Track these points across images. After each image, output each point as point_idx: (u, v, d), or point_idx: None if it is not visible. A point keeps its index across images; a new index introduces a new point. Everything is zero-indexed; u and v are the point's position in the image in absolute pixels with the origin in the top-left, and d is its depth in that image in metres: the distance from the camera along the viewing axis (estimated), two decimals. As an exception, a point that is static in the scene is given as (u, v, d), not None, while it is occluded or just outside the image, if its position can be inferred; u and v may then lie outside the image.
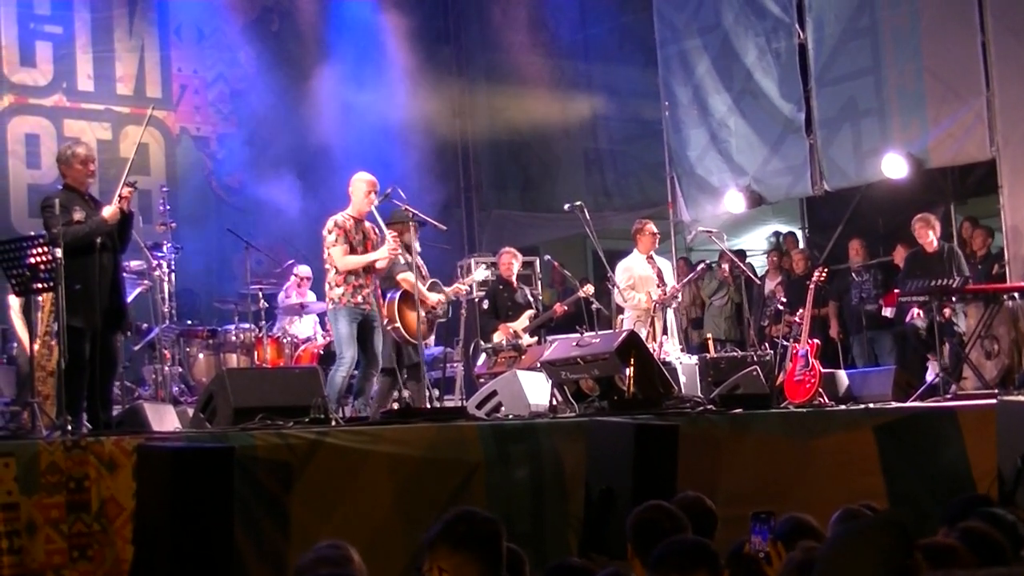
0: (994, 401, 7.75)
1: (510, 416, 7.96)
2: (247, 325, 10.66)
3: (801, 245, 13.85)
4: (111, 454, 5.32)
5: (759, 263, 14.12)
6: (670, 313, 10.29)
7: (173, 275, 10.09)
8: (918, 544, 2.70)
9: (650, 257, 10.37)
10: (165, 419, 7.32)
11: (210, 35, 13.84)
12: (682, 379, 9.37)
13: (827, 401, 9.36)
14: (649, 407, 7.35)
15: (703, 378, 9.88)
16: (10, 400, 9.45)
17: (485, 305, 10.67)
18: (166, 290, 10.04)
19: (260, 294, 10.79)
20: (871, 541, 2.58)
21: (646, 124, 14.04)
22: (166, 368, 10.00)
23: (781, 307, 11.29)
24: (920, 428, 7.86)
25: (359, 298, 8.45)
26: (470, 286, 10.06)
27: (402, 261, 8.89)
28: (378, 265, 8.59)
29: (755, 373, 9.31)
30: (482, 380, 10.02)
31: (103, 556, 5.20)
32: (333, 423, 6.76)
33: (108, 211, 7.09)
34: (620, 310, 10.32)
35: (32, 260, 6.42)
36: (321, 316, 10.52)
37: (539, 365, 8.81)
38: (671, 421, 6.45)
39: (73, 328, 6.69)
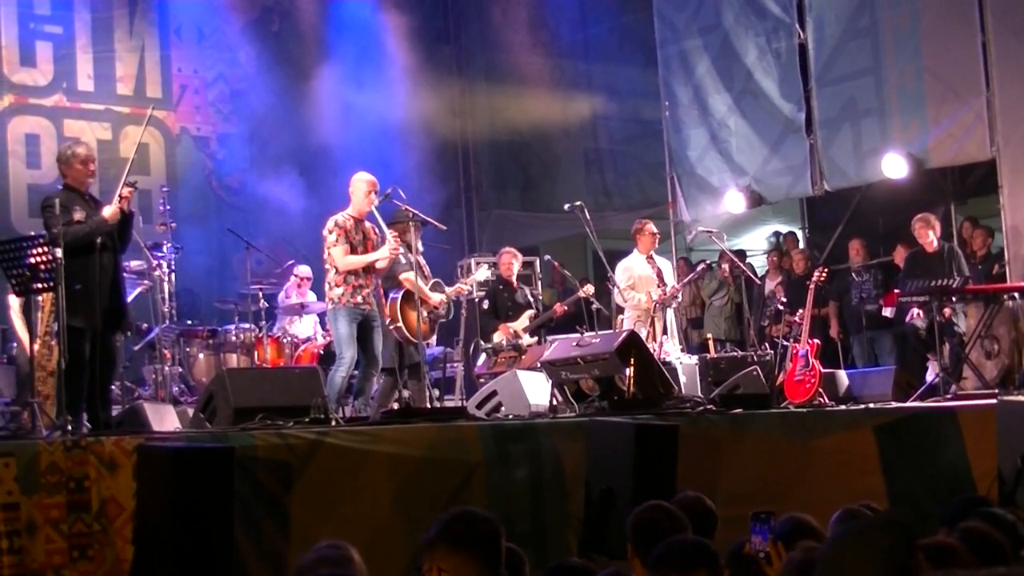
0: (994, 401, 7.75)
1: (510, 416, 7.96)
2: (247, 325, 10.66)
3: (801, 245, 13.85)
4: (111, 454, 5.32)
5: (759, 263, 14.11)
6: (670, 313, 10.29)
7: (173, 275, 10.09)
8: (919, 544, 2.70)
9: (650, 257, 10.37)
10: (165, 419, 7.32)
11: (210, 35, 13.83)
12: (682, 379, 9.36)
13: (827, 401, 9.36)
14: (649, 407, 7.35)
15: (703, 378, 9.88)
16: (10, 400, 9.44)
17: (485, 305, 10.67)
18: (166, 290, 10.03)
19: (260, 294, 10.79)
20: (872, 541, 2.58)
21: (646, 124, 14.05)
22: (166, 368, 10.00)
23: (781, 307, 11.29)
24: (920, 428, 7.86)
25: (359, 298, 8.45)
26: (472, 286, 10.06)
27: (403, 261, 8.89)
28: (378, 265, 8.59)
29: (755, 373, 9.31)
30: (482, 380, 10.02)
31: (103, 556, 5.20)
32: (333, 423, 6.76)
33: (108, 211, 7.09)
34: (620, 310, 10.32)
35: (32, 260, 6.42)
36: (321, 316, 10.51)
37: (539, 365, 8.81)
38: (671, 421, 6.45)
39: (73, 328, 6.69)
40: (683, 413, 7.31)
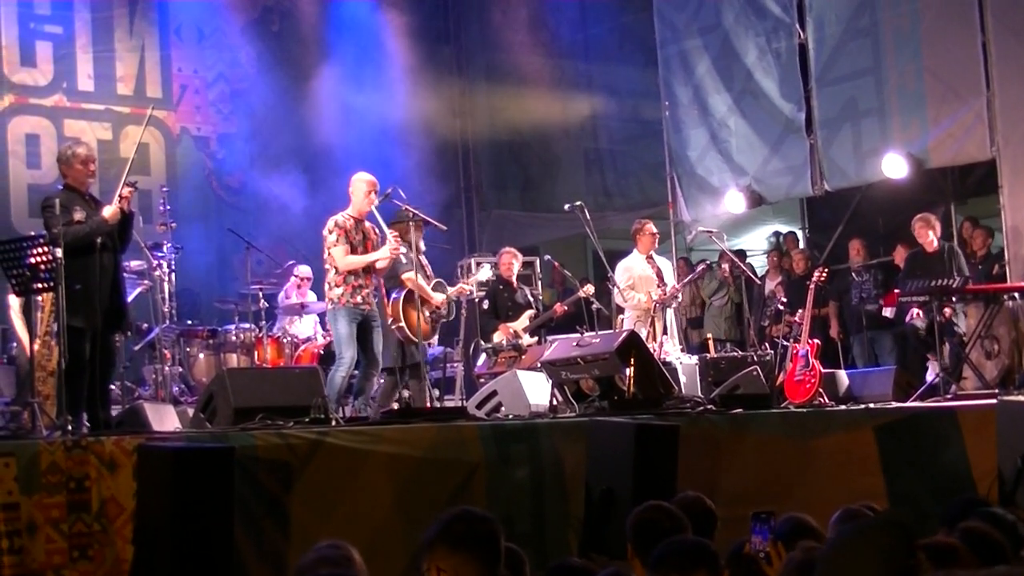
0: (994, 401, 7.75)
1: (510, 416, 7.96)
2: (247, 325, 10.66)
3: (801, 245, 13.85)
4: (111, 454, 5.32)
5: (759, 263, 14.12)
6: (670, 313, 10.29)
7: (173, 275, 10.09)
8: (919, 544, 2.70)
9: (650, 257, 10.37)
10: (165, 419, 7.32)
11: (210, 35, 13.83)
12: (682, 379, 9.36)
13: (827, 401, 9.36)
14: (649, 407, 7.35)
15: (703, 378, 9.87)
16: (10, 400, 9.44)
17: (485, 305, 10.67)
18: (166, 290, 10.03)
19: (260, 294, 10.78)
20: (873, 541, 2.58)
21: (646, 124, 14.05)
22: (166, 368, 9.99)
23: (781, 307, 11.29)
24: (920, 428, 7.86)
25: (358, 298, 8.46)
26: (474, 286, 10.06)
27: (404, 260, 8.88)
28: (378, 265, 8.59)
29: (755, 373, 9.30)
30: (482, 380, 10.02)
31: (103, 556, 5.20)
32: (333, 423, 6.76)
33: (108, 211, 7.09)
34: (620, 310, 10.32)
35: (32, 260, 6.42)
36: (321, 316, 10.51)
37: (539, 365, 8.81)
38: (671, 421, 6.45)
39: (73, 328, 6.69)
40: (683, 413, 7.31)
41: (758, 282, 12.26)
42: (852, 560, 2.59)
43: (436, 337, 9.68)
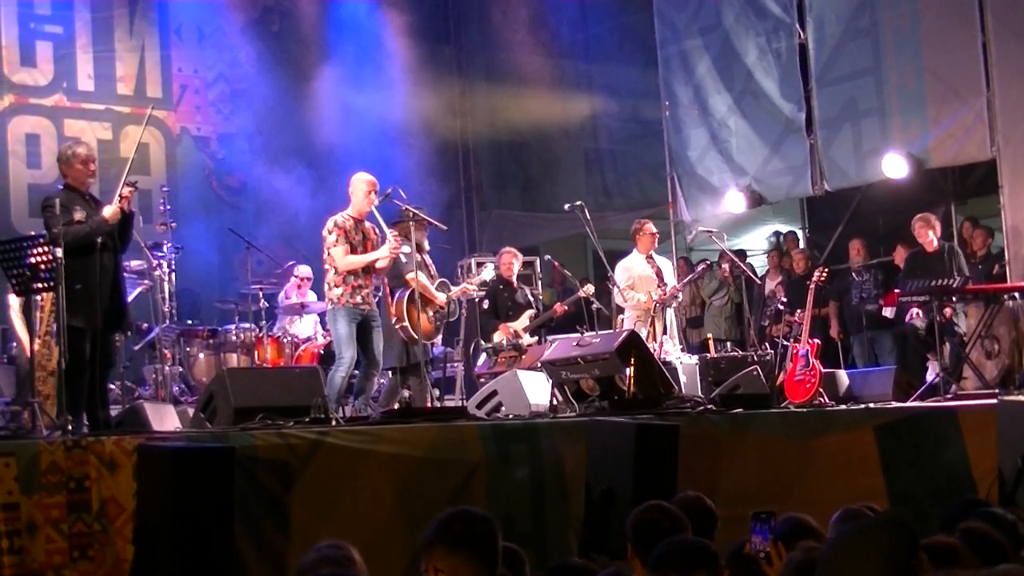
0: (994, 401, 7.75)
1: (510, 416, 7.96)
2: (247, 325, 10.66)
3: (801, 245, 13.85)
4: (112, 454, 5.32)
5: (759, 263, 14.12)
6: (670, 313, 10.29)
7: (173, 275, 10.09)
8: (920, 544, 2.70)
9: (650, 257, 10.37)
10: (165, 419, 7.32)
11: (210, 35, 13.83)
12: (682, 379, 9.36)
13: (827, 401, 9.36)
14: (649, 407, 7.35)
15: (703, 378, 9.87)
16: (10, 400, 9.44)
17: (485, 305, 10.67)
18: (166, 290, 10.03)
19: (260, 294, 10.78)
20: (874, 541, 2.58)
21: (646, 124, 14.05)
22: (166, 368, 9.99)
23: (781, 307, 11.30)
24: (920, 428, 7.86)
25: (358, 298, 8.46)
26: (478, 286, 10.07)
27: (403, 260, 8.88)
28: (378, 265, 8.59)
29: (755, 373, 9.30)
30: (482, 380, 10.02)
31: (103, 556, 5.20)
32: (333, 423, 6.76)
33: (109, 211, 7.09)
34: (620, 310, 10.32)
35: (33, 260, 6.42)
36: (321, 316, 10.51)
37: (539, 365, 8.80)
38: (671, 421, 6.45)
39: (74, 328, 6.69)
40: (683, 413, 7.31)
41: (758, 282, 12.26)
42: (853, 560, 2.59)
43: (440, 336, 9.68)
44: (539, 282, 12.86)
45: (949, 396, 9.20)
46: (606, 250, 10.50)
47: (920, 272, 10.15)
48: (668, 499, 4.71)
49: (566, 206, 10.25)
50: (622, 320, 10.21)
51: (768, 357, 10.09)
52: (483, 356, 10.64)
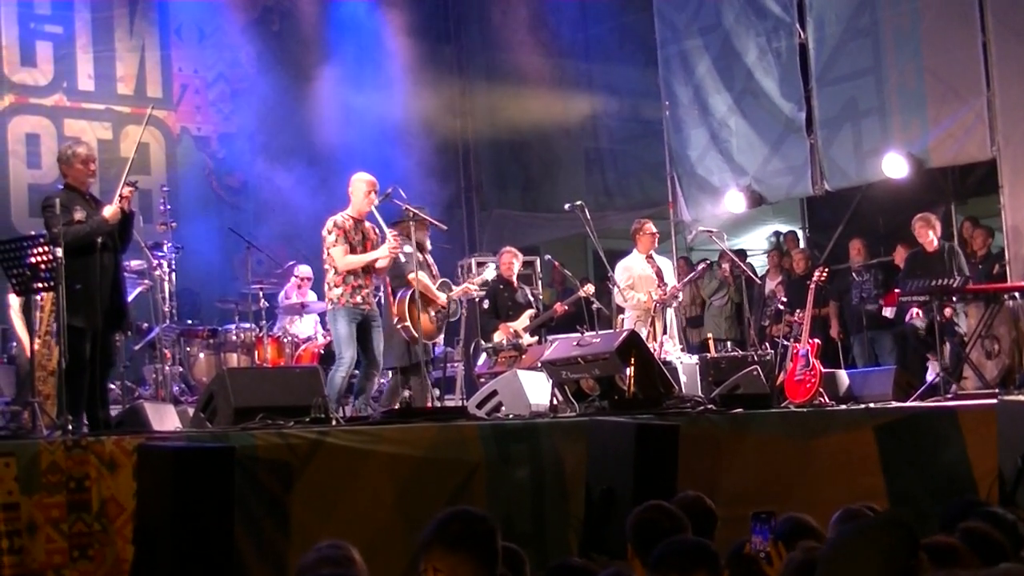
0: (994, 401, 7.75)
1: (510, 416, 7.96)
2: (248, 325, 10.66)
3: (802, 245, 13.86)
4: (112, 454, 5.31)
5: (759, 263, 14.12)
6: (670, 313, 10.29)
7: (174, 275, 10.09)
8: (921, 544, 2.70)
9: (650, 256, 10.37)
10: (166, 419, 7.32)
11: (211, 35, 13.84)
12: (682, 379, 9.36)
13: (827, 401, 9.36)
14: (650, 407, 7.35)
15: (703, 378, 9.87)
16: (10, 400, 9.44)
17: (485, 305, 10.67)
18: (166, 290, 10.04)
19: (260, 294, 10.79)
20: (874, 541, 2.58)
21: (647, 124, 14.05)
22: (167, 368, 10.00)
23: (781, 307, 11.30)
24: (920, 428, 7.86)
25: (358, 298, 8.46)
26: (479, 286, 10.07)
27: (403, 259, 8.88)
28: (378, 265, 8.59)
29: (755, 373, 9.30)
30: (482, 380, 10.02)
31: (104, 556, 5.20)
32: (334, 423, 6.76)
33: (109, 211, 7.09)
34: (620, 310, 10.32)
35: (33, 260, 6.42)
36: (322, 316, 10.51)
37: (539, 365, 8.80)
38: (671, 421, 6.45)
39: (74, 328, 6.69)
40: (683, 413, 7.31)
41: (758, 282, 12.27)
42: (853, 560, 2.59)
43: (442, 336, 9.68)
44: (539, 282, 12.86)
45: (949, 396, 9.20)
46: (606, 250, 10.50)
47: (920, 272, 10.15)
48: (668, 499, 4.70)
49: (566, 206, 10.25)
50: (622, 320, 10.21)
51: (768, 357, 10.09)
52: (483, 356, 10.64)
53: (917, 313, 10.40)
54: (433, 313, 9.06)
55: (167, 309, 10.05)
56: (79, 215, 7.00)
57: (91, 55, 13.09)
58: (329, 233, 8.52)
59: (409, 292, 8.82)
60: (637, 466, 5.71)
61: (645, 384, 7.81)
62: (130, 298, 8.56)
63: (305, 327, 11.26)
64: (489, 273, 10.30)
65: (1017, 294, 10.09)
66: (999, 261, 11.02)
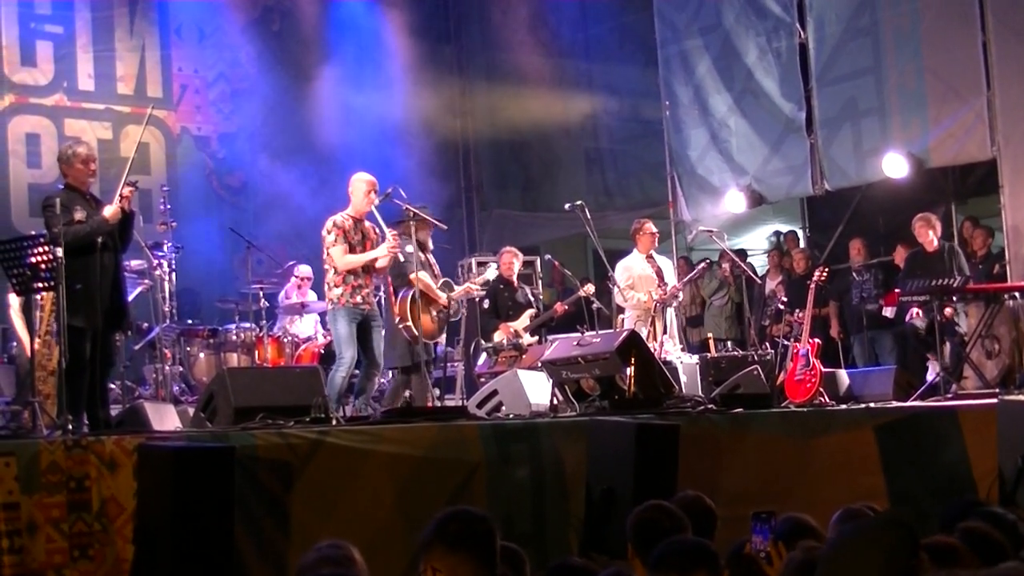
0: (995, 401, 7.74)
1: (511, 416, 7.96)
2: (248, 324, 10.66)
3: (802, 245, 13.85)
4: (112, 454, 5.31)
5: (759, 263, 14.12)
6: (670, 312, 10.29)
7: (174, 274, 10.09)
8: (921, 544, 2.70)
9: (650, 256, 10.37)
10: (166, 419, 7.32)
11: (211, 35, 13.84)
12: (682, 379, 9.36)
13: (828, 401, 9.35)
14: (650, 407, 7.35)
15: (703, 378, 9.87)
16: (10, 399, 9.44)
17: (486, 304, 10.68)
18: (167, 289, 10.04)
19: (261, 293, 10.79)
20: (875, 541, 2.58)
21: (647, 124, 14.06)
22: (167, 367, 10.00)
23: (782, 307, 11.30)
24: (921, 428, 7.85)
25: (358, 298, 8.46)
26: (481, 285, 10.07)
27: (403, 259, 8.88)
28: (378, 264, 8.59)
29: (756, 373, 9.30)
30: (483, 379, 10.02)
31: (104, 555, 5.20)
32: (334, 423, 6.76)
33: (109, 211, 7.09)
34: (620, 310, 10.32)
35: (33, 259, 6.43)
36: (322, 316, 10.52)
37: (540, 364, 8.80)
38: (672, 421, 6.45)
39: (74, 328, 6.70)
40: (684, 413, 7.30)
41: (758, 281, 12.27)
42: (854, 560, 2.59)
43: (443, 336, 9.68)
44: (539, 282, 12.86)
45: (949, 396, 9.19)
46: (606, 250, 10.50)
47: (920, 272, 10.15)
48: (668, 499, 4.70)
49: (566, 206, 10.25)
50: (622, 320, 10.21)
51: (768, 357, 10.09)
52: (483, 356, 10.64)
53: (917, 313, 10.40)
54: (434, 313, 9.06)
55: (167, 309, 10.05)
56: (79, 215, 7.00)
57: (91, 55, 13.09)
58: (328, 233, 8.52)
59: (410, 292, 8.81)
60: (637, 466, 5.71)
61: (645, 384, 7.80)
62: (130, 298, 8.56)
63: (305, 327, 11.27)
64: (490, 273, 10.30)
65: (1017, 294, 10.09)
66: (999, 261, 11.02)
